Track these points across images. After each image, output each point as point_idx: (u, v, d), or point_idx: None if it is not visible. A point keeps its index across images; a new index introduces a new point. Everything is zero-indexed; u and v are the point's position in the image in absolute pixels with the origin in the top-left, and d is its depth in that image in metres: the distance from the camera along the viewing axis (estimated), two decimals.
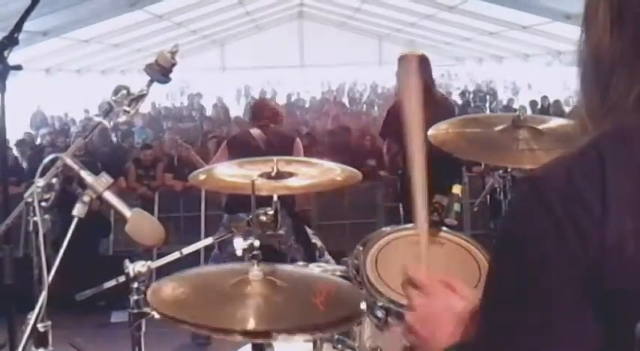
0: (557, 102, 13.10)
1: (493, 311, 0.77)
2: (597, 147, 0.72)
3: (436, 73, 5.00)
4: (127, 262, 1.74)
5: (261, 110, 4.67)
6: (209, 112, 15.24)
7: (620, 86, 0.73)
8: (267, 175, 2.07)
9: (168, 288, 1.64)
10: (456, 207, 1.94)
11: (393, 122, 4.34)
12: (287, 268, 1.91)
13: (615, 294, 0.68)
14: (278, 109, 4.85)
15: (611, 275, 0.68)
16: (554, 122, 2.19)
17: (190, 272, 1.82)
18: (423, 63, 4.04)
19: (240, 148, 4.10)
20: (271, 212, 1.93)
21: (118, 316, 4.77)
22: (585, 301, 0.69)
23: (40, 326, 1.42)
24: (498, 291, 0.77)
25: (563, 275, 0.70)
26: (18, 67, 1.83)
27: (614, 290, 0.68)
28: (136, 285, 1.71)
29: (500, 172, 2.19)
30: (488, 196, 2.67)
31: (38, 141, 10.63)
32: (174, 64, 1.52)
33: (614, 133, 0.72)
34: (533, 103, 13.70)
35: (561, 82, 15.42)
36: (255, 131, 4.43)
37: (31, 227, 1.43)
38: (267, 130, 4.43)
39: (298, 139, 4.54)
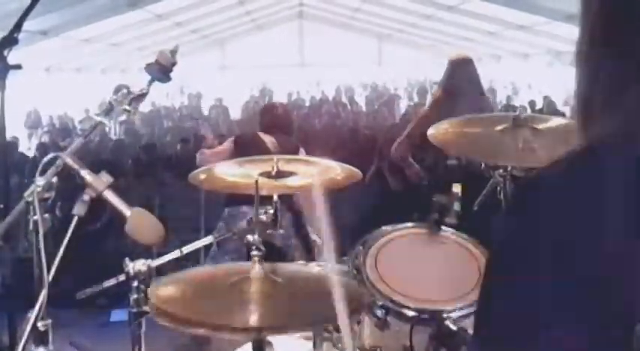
0: (550, 102, 13.10)
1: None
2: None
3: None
4: (126, 260, 1.74)
5: (276, 118, 4.63)
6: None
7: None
8: (268, 175, 2.07)
9: (167, 289, 1.64)
10: (456, 206, 1.94)
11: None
12: (287, 266, 1.91)
13: (612, 300, 0.68)
14: (292, 120, 4.84)
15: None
16: (555, 122, 2.19)
17: (189, 272, 1.82)
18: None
19: (249, 149, 4.07)
20: (272, 211, 1.92)
21: (117, 315, 4.77)
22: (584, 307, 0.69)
23: (40, 325, 1.42)
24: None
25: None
26: (18, 67, 1.83)
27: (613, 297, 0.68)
28: (135, 284, 1.71)
29: (501, 171, 2.19)
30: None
31: (36, 140, 10.65)
32: (174, 64, 1.52)
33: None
34: (532, 103, 13.70)
35: (561, 82, 15.42)
36: (265, 135, 4.43)
37: (31, 226, 1.43)
38: (276, 136, 4.44)
39: (302, 148, 4.48)
